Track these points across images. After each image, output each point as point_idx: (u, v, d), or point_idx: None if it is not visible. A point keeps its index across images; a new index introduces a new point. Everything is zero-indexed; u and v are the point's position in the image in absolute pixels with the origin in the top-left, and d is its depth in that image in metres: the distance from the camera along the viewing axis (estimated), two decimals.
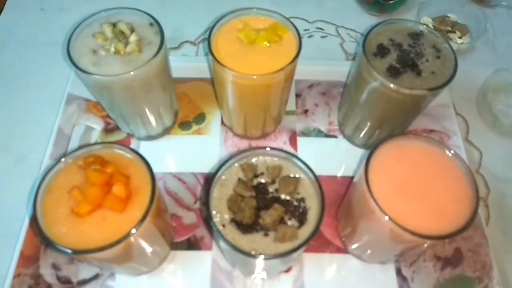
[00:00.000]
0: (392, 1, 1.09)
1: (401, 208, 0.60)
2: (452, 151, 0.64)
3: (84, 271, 0.75)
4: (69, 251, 0.54)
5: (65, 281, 0.74)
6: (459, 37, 1.06)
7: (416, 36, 0.77)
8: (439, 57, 0.74)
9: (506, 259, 0.80)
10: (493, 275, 0.76)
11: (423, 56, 0.74)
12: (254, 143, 0.91)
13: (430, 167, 0.64)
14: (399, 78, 0.72)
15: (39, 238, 0.77)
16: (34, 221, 0.57)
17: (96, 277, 0.75)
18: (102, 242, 0.55)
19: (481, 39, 1.07)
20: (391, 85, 0.69)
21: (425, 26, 0.78)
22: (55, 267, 0.75)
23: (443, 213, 0.60)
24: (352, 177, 0.86)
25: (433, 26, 1.07)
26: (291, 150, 0.90)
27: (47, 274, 0.75)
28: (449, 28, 1.07)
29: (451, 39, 1.05)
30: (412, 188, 0.62)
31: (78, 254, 0.55)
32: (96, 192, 0.57)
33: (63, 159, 0.61)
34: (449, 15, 1.10)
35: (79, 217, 0.57)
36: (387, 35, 0.77)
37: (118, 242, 0.55)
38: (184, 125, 0.93)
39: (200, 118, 0.94)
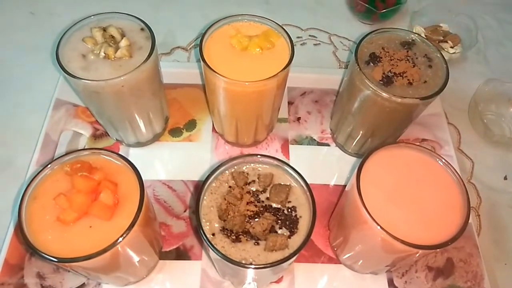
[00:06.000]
0: (384, 10, 1.09)
1: (393, 218, 0.59)
2: (443, 160, 0.64)
3: (70, 281, 0.73)
4: (54, 259, 0.53)
5: None
6: (451, 47, 1.06)
7: (408, 45, 0.77)
8: (431, 66, 0.74)
9: (497, 269, 0.80)
10: (484, 285, 0.76)
11: (415, 65, 0.74)
12: (246, 151, 0.90)
13: (421, 176, 0.64)
14: (391, 86, 0.72)
15: (24, 246, 0.75)
16: (19, 228, 0.55)
17: (82, 286, 0.73)
18: (88, 251, 0.53)
19: (472, 49, 1.08)
20: (383, 94, 0.69)
21: (417, 35, 0.78)
22: (40, 276, 0.73)
23: (435, 223, 0.60)
24: (345, 186, 0.86)
25: (425, 35, 1.08)
26: (283, 158, 0.89)
27: (32, 283, 0.73)
28: (441, 38, 1.08)
29: (443, 49, 1.06)
30: (404, 197, 0.62)
31: (64, 262, 0.54)
32: (83, 199, 0.56)
33: (49, 165, 0.60)
34: (441, 24, 1.11)
35: (65, 224, 0.56)
36: (380, 43, 0.77)
37: (104, 250, 0.53)
38: (175, 132, 0.92)
39: (191, 124, 0.93)
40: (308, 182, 0.61)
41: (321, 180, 0.86)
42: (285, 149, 0.91)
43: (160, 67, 0.79)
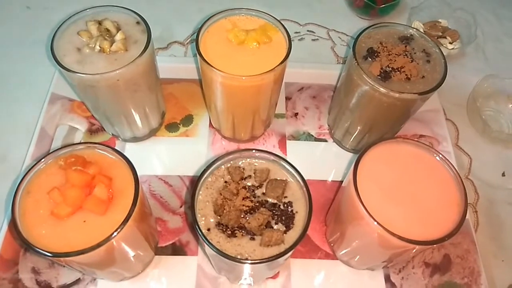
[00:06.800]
0: (383, 5, 1.09)
1: (390, 213, 0.59)
2: (441, 156, 0.64)
3: (65, 276, 0.73)
4: (49, 254, 0.53)
5: (45, 286, 0.72)
6: (450, 43, 1.05)
7: (406, 40, 0.76)
8: (429, 61, 0.74)
9: (494, 265, 0.80)
10: (481, 282, 0.75)
11: (413, 60, 0.73)
12: (243, 146, 0.90)
13: (419, 172, 0.63)
14: (389, 81, 0.71)
15: (18, 241, 0.74)
16: (12, 223, 0.55)
17: (77, 282, 0.72)
18: (82, 245, 0.53)
19: (471, 45, 1.07)
20: (381, 89, 0.69)
21: (415, 30, 0.77)
22: (35, 271, 0.73)
23: (432, 218, 0.59)
24: (342, 182, 0.85)
25: (424, 31, 1.07)
26: (280, 153, 0.89)
27: (27, 278, 0.72)
28: (440, 33, 1.07)
29: (442, 44, 1.05)
30: (401, 193, 0.61)
31: (58, 257, 0.53)
32: (77, 194, 0.55)
33: (43, 159, 0.59)
34: (440, 20, 1.10)
35: (59, 219, 0.56)
36: (378, 38, 0.77)
37: (98, 245, 0.53)
38: (171, 127, 0.91)
39: (188, 120, 0.92)
40: (306, 177, 0.60)
41: (319, 176, 0.86)
42: (282, 144, 0.90)
43: (156, 61, 0.79)
